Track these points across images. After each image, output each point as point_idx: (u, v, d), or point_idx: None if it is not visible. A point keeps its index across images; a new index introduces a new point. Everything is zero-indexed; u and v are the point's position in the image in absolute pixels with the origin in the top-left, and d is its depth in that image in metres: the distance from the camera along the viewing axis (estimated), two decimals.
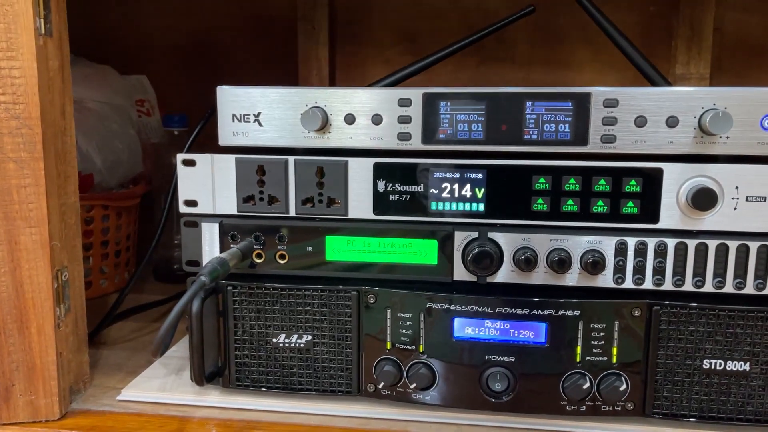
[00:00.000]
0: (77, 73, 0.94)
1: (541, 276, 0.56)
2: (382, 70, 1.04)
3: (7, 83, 0.53)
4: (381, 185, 0.57)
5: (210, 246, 0.60)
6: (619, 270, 0.55)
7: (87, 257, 0.95)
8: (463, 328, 0.57)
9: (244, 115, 0.58)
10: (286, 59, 1.06)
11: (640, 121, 0.53)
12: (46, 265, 0.56)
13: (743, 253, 0.53)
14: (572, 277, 0.56)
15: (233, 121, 0.58)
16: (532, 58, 1.01)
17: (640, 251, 0.54)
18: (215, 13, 1.08)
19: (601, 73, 0.98)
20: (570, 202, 0.55)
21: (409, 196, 0.57)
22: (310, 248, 0.59)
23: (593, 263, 0.54)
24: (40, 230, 0.56)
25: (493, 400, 0.57)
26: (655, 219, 0.54)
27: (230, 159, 0.59)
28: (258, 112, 0.58)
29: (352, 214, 0.58)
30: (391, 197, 0.57)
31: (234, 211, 0.59)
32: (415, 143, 0.57)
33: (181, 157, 0.59)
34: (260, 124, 0.58)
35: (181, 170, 0.60)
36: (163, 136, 1.07)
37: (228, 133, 0.59)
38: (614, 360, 0.55)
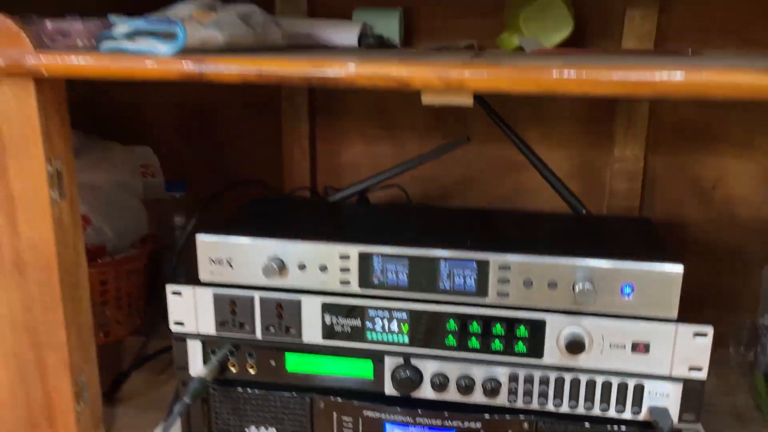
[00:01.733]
0: (90, 158, 1.09)
1: (452, 395, 0.71)
2: (359, 141, 1.17)
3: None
4: (328, 319, 0.72)
5: (194, 355, 0.75)
6: (512, 393, 0.69)
7: (103, 311, 1.12)
8: None
9: (218, 259, 0.73)
10: (272, 131, 1.18)
11: (527, 283, 0.67)
12: (67, 377, 0.72)
13: (607, 386, 0.67)
14: (476, 397, 0.70)
15: (210, 264, 0.73)
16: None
17: (528, 380, 0.69)
18: (214, 93, 1.19)
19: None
20: (474, 340, 0.69)
21: (350, 328, 0.72)
22: (273, 362, 0.74)
23: (492, 389, 0.69)
24: (62, 353, 0.71)
25: None
26: (540, 356, 0.68)
27: (209, 292, 0.73)
28: (230, 257, 0.72)
29: (306, 339, 0.73)
30: (336, 328, 0.72)
31: (212, 332, 0.74)
32: (354, 287, 0.71)
33: (170, 288, 0.74)
34: (231, 267, 0.73)
35: (170, 298, 0.74)
36: (166, 195, 1.22)
37: (207, 271, 0.73)
38: None
